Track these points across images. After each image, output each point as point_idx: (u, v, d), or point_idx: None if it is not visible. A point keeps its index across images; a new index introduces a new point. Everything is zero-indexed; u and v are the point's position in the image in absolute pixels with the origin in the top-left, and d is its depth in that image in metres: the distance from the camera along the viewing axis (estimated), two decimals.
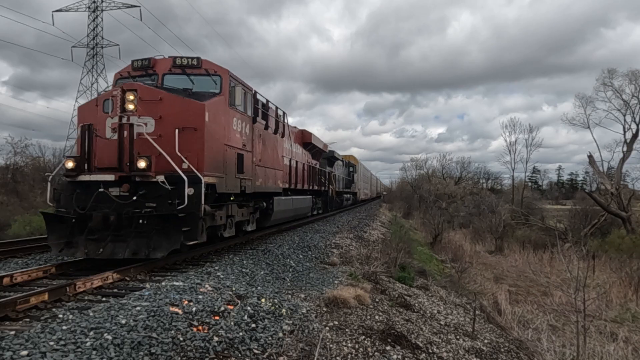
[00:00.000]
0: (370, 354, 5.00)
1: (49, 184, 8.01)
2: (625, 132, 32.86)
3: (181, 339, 4.09)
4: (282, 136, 13.19)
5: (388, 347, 5.29)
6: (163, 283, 6.05)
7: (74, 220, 6.93)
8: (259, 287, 6.66)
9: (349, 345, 5.01)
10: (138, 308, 4.73)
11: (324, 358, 4.55)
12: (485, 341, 7.35)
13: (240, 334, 4.54)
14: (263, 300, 5.84)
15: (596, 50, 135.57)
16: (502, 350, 7.18)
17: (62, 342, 3.68)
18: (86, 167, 7.21)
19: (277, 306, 5.72)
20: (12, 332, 3.86)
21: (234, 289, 6.19)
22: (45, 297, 4.95)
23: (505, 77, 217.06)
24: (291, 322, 5.27)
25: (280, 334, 4.83)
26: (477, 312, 8.63)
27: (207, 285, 6.07)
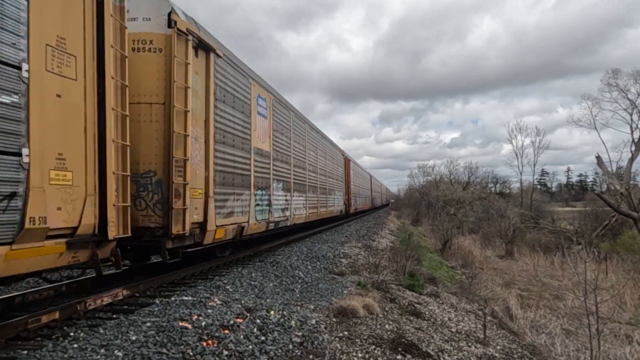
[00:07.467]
0: None
1: None
2: (632, 131, 32.69)
3: (191, 353, 4.11)
4: None
5: (399, 357, 5.26)
6: (172, 298, 6.08)
7: None
8: (268, 300, 6.67)
9: (359, 355, 4.99)
10: (148, 324, 4.76)
11: None
12: (498, 347, 7.28)
13: (250, 347, 4.55)
14: (272, 312, 5.85)
15: (614, 50, 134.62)
16: (515, 356, 7.10)
17: None
18: None
19: (286, 318, 5.72)
20: (25, 352, 3.90)
21: (243, 302, 6.21)
22: (56, 315, 4.98)
23: (521, 80, 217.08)
24: (300, 333, 5.26)
25: (290, 346, 4.83)
26: (488, 318, 8.56)
27: (216, 299, 6.10)
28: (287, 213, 12.62)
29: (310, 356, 4.70)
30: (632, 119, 32.87)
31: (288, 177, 12.93)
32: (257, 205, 9.94)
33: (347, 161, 27.61)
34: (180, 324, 4.83)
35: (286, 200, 12.61)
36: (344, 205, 25.48)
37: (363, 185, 38.24)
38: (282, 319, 5.64)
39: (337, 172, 23.12)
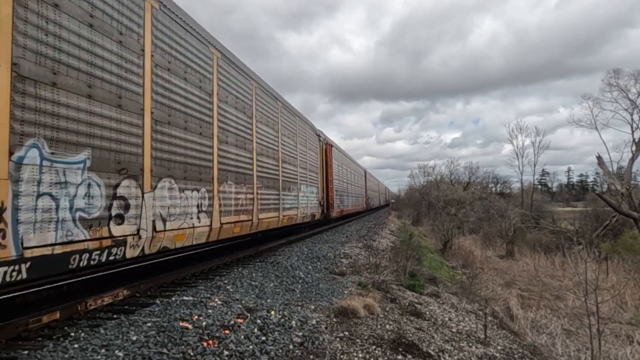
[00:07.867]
0: None
1: None
2: (633, 131, 32.71)
3: (192, 353, 4.11)
4: None
5: (399, 357, 5.26)
6: (173, 298, 6.08)
7: None
8: (268, 300, 6.67)
9: (360, 355, 4.99)
10: (149, 324, 4.76)
11: None
12: (499, 347, 7.27)
13: (251, 347, 4.55)
14: (273, 312, 5.85)
15: (615, 50, 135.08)
16: (516, 356, 7.10)
17: None
18: None
19: (286, 318, 5.72)
20: (25, 352, 3.91)
21: (243, 302, 6.21)
22: (57, 315, 4.99)
23: (522, 80, 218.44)
24: (301, 333, 5.26)
25: (291, 346, 4.83)
26: (489, 318, 8.55)
27: (216, 299, 6.10)
28: (129, 228, 5.57)
29: (311, 356, 4.70)
30: (632, 119, 32.95)
31: (134, 145, 5.72)
32: None
33: (326, 146, 20.28)
34: (181, 324, 4.83)
35: (118, 196, 5.39)
36: (320, 207, 18.06)
37: (354, 181, 30.38)
38: (282, 319, 5.64)
39: (306, 158, 16.18)
